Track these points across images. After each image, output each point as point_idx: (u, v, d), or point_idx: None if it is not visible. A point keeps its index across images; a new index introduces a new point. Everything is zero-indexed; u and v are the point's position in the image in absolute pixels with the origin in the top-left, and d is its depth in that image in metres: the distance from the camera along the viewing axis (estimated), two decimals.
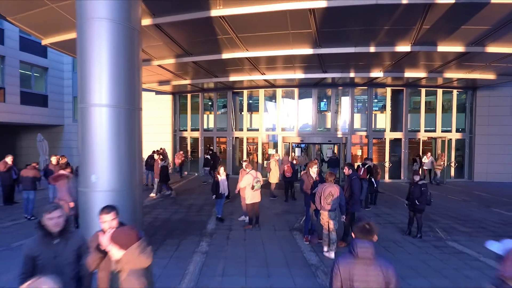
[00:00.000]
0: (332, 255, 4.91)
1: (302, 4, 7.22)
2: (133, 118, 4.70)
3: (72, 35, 10.01)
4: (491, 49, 9.37)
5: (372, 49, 9.56)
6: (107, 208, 2.28)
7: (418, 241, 5.74)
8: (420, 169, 12.80)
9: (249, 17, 7.77)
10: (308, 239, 5.59)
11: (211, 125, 15.91)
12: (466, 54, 9.71)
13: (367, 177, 8.32)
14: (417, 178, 5.88)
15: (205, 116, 16.04)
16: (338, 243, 5.27)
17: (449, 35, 8.70)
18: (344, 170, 5.65)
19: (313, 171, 5.74)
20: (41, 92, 16.46)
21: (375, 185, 8.44)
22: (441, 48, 9.37)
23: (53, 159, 7.98)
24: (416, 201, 5.84)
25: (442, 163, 12.92)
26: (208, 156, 12.83)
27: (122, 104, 4.52)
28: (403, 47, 9.37)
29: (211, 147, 14.61)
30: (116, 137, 4.47)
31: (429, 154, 13.26)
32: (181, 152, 14.55)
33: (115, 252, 1.71)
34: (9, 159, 8.44)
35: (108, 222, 2.24)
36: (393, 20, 7.84)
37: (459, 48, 9.40)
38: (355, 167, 7.73)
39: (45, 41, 10.79)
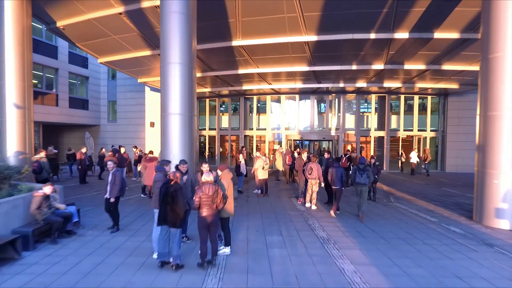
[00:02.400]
0: (313, 206, 7.81)
1: (300, 38, 10.17)
2: (192, 121, 7.65)
3: (122, 56, 13.19)
4: (446, 66, 12.14)
5: (354, 67, 12.42)
6: (205, 162, 5.23)
7: (373, 202, 8.61)
8: (403, 162, 15.81)
9: (261, 46, 10.77)
10: (301, 200, 8.49)
11: (226, 125, 18.89)
12: (428, 70, 12.47)
13: (348, 164, 11.15)
14: (373, 160, 8.72)
15: (220, 117, 19.04)
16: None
17: (411, 57, 11.55)
18: (324, 155, 8.53)
19: (304, 155, 8.62)
20: (83, 97, 19.66)
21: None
22: (407, 66, 12.19)
23: (122, 150, 11.02)
24: (375, 176, 8.69)
25: (426, 156, 15.44)
26: None
27: (186, 113, 7.48)
28: (378, 66, 12.21)
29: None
30: (183, 132, 7.42)
31: (416, 149, 15.81)
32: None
33: (219, 172, 4.65)
34: (84, 150, 11.52)
35: (205, 168, 5.18)
36: (367, 47, 10.72)
37: (421, 66, 12.20)
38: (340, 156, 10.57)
39: (100, 60, 13.96)
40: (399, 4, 8.36)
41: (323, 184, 7.99)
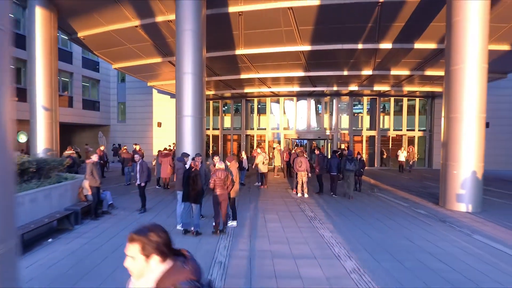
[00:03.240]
0: (305, 195, 9.12)
1: (295, 48, 11.46)
2: (202, 122, 8.97)
3: (135, 63, 14.48)
4: (429, 72, 13.41)
5: (345, 72, 13.70)
6: (217, 155, 6.53)
7: (359, 192, 9.90)
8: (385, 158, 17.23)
9: (261, 54, 12.07)
10: (295, 191, 9.79)
11: (228, 125, 20.20)
12: (412, 75, 13.76)
13: (340, 160, 12.42)
14: (359, 156, 10.03)
15: (223, 118, 20.36)
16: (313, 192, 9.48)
17: (396, 64, 12.83)
18: (315, 151, 9.83)
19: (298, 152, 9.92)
20: (95, 99, 20.99)
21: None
22: (393, 72, 13.48)
23: (137, 147, 12.34)
24: (360, 169, 9.99)
25: (410, 154, 16.71)
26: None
27: (197, 115, 8.79)
28: (367, 71, 13.49)
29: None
30: (194, 131, 8.73)
31: (402, 148, 17.08)
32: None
33: (228, 163, 5.96)
34: (102, 148, 12.83)
35: (217, 159, 6.48)
36: (356, 55, 12.01)
37: (406, 72, 13.48)
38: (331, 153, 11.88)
39: (115, 66, 15.26)
40: (382, 19, 9.65)
41: (310, 175, 9.28)
